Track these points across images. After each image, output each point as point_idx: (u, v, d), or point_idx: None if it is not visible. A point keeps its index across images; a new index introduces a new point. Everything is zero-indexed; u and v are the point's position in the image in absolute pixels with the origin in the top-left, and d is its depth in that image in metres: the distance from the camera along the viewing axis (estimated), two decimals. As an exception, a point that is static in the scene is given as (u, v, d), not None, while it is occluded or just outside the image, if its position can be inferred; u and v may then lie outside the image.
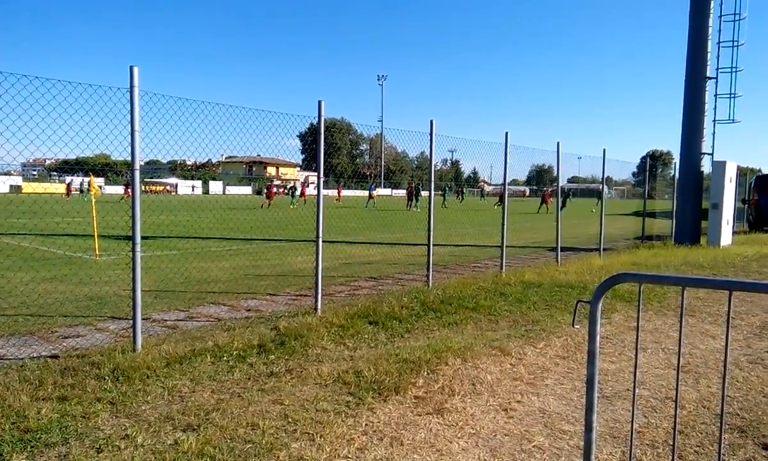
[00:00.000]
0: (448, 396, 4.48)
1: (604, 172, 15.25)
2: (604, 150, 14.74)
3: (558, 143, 12.72)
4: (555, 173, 13.91)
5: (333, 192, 50.18)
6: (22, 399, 4.17)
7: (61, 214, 22.74)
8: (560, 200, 14.21)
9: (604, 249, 14.60)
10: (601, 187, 16.61)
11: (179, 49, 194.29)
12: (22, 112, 5.19)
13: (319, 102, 7.22)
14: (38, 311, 7.22)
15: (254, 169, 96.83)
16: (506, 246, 11.01)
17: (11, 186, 57.25)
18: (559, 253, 12.79)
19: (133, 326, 5.51)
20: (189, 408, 4.15)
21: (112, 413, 4.07)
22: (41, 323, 6.65)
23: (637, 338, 2.83)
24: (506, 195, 11.44)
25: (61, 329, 6.44)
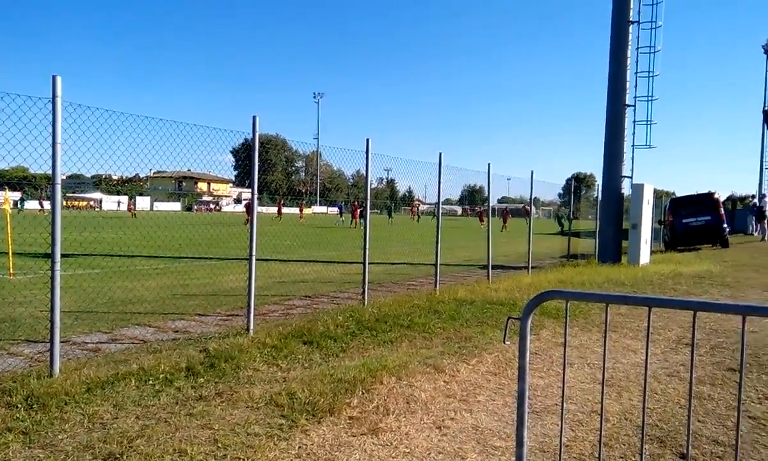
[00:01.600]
0: (383, 416, 4.47)
1: (532, 193, 15.82)
2: (532, 172, 15.33)
3: (489, 165, 13.10)
4: (486, 194, 14.31)
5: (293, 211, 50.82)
6: None
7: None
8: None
9: (532, 267, 15.09)
10: (528, 207, 17.22)
11: (108, 65, 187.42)
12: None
13: (254, 117, 7.13)
14: (-58, 334, 6.67)
15: (184, 184, 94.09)
16: (440, 264, 11.18)
17: None
18: (490, 271, 13.11)
19: (51, 350, 5.18)
20: (111, 435, 3.93)
21: (25, 444, 3.79)
22: (-55, 347, 6.15)
23: (564, 354, 2.93)
24: (440, 214, 11.65)
25: (-32, 354, 5.97)
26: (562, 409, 2.87)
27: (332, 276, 13.45)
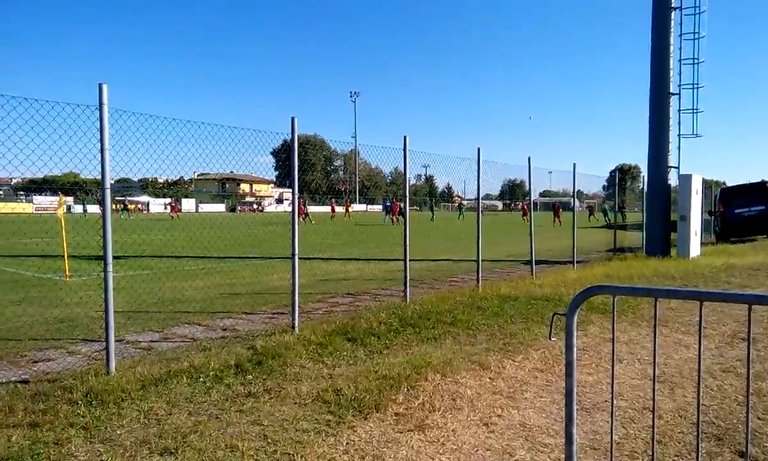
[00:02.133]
0: (429, 412, 4.48)
1: (574, 186, 15.53)
2: (574, 164, 15.03)
3: (529, 158, 12.92)
4: (527, 188, 14.11)
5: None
6: (-10, 426, 4.04)
7: (30, 234, 22.23)
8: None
9: (577, 262, 14.81)
10: (572, 201, 16.91)
11: (148, 68, 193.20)
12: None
13: (293, 118, 7.22)
14: (7, 335, 7.02)
15: (227, 186, 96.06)
16: (482, 260, 11.10)
17: (-24, 207, 55.90)
18: (534, 266, 12.93)
19: (107, 349, 5.38)
20: (166, 431, 4.07)
21: (86, 438, 3.96)
22: (10, 347, 6.46)
23: (613, 350, 2.88)
24: (480, 209, 11.57)
25: (31, 353, 6.26)
26: (612, 405, 2.81)
27: (374, 274, 13.51)
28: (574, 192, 15.89)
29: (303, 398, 4.77)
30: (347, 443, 3.92)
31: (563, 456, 3.02)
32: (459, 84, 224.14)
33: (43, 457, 3.65)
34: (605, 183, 40.26)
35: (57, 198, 13.22)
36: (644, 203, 18.21)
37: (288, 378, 5.31)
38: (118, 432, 4.08)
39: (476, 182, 11.26)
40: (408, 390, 4.93)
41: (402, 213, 9.76)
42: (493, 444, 3.92)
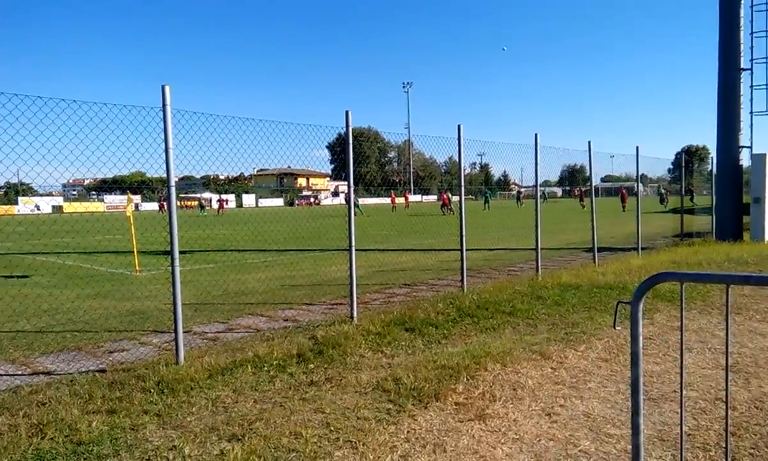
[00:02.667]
0: (489, 402, 4.45)
1: (638, 169, 14.98)
2: (637, 148, 14.49)
3: (589, 143, 12.54)
4: (587, 173, 13.70)
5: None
6: (73, 412, 4.30)
7: (102, 232, 23.42)
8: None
9: (642, 248, 14.29)
10: (636, 185, 16.31)
11: (206, 65, 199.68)
12: (62, 135, 5.39)
13: (347, 112, 7.27)
14: (84, 327, 7.44)
15: (285, 180, 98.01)
16: (541, 249, 10.89)
17: (53, 207, 59.30)
18: (596, 254, 12.56)
19: (176, 340, 5.62)
20: (233, 418, 4.22)
21: (159, 425, 4.16)
22: (88, 338, 6.86)
23: (681, 338, 2.77)
24: (538, 196, 11.35)
25: (107, 343, 6.62)
26: (681, 395, 2.72)
27: (430, 264, 13.49)
28: (637, 176, 15.32)
29: (363, 387, 4.83)
30: (408, 431, 3.96)
31: (629, 446, 2.95)
32: (516, 70, 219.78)
33: (121, 441, 3.86)
34: (671, 166, 38.66)
35: (126, 196, 13.88)
36: (713, 186, 17.35)
37: (348, 367, 5.40)
38: (189, 419, 4.26)
39: (534, 169, 11.05)
40: (467, 379, 4.92)
41: (452, 203, 9.69)
42: (556, 434, 3.86)
